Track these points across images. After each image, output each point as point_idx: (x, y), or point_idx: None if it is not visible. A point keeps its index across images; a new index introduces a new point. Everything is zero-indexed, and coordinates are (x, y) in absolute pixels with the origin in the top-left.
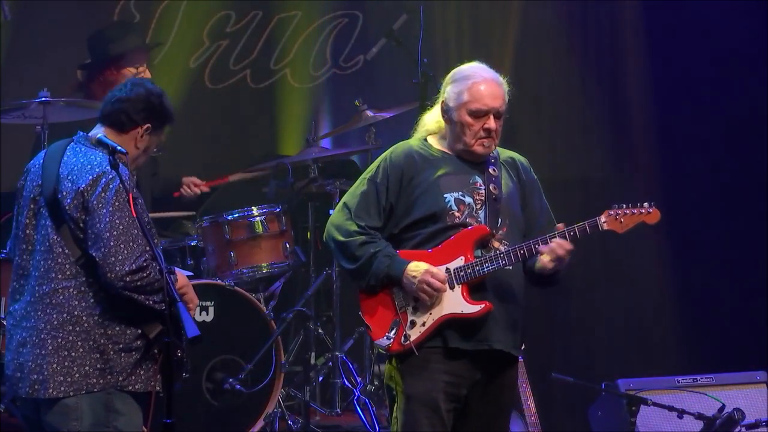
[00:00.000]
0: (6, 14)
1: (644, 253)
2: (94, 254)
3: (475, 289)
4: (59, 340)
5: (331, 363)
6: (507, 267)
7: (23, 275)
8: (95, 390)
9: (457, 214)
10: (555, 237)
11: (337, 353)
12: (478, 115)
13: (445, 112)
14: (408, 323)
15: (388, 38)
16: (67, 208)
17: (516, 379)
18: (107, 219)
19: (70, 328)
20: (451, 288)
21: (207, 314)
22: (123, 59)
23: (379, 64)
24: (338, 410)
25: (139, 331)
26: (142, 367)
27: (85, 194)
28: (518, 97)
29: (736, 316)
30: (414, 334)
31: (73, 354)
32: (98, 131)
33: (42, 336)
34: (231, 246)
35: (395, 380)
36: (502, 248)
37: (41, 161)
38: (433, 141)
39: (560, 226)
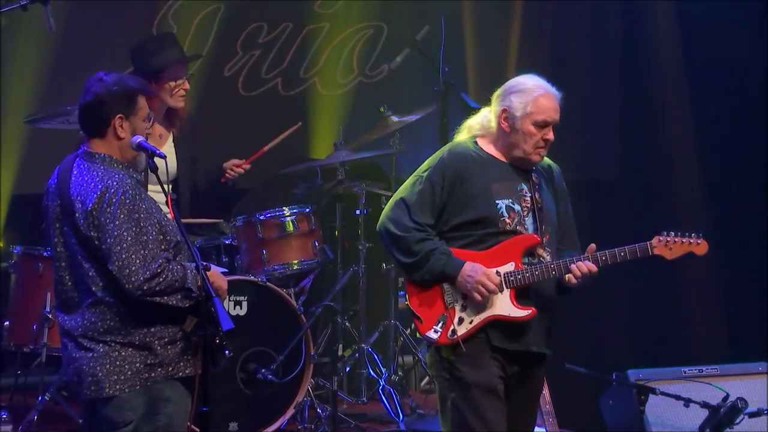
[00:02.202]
0: (51, 26)
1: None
2: (110, 268)
3: (520, 293)
4: (108, 344)
5: (357, 354)
6: (555, 276)
7: (63, 290)
8: (148, 383)
9: (507, 220)
10: (601, 257)
11: (363, 345)
12: (541, 126)
13: (507, 120)
14: (456, 319)
15: (411, 48)
16: (82, 228)
17: (544, 371)
18: (115, 233)
19: (116, 332)
20: (501, 291)
21: (241, 308)
22: (164, 72)
23: (402, 73)
24: (364, 399)
25: (182, 323)
26: (187, 353)
27: (94, 213)
28: None
29: (739, 311)
30: (461, 330)
31: (123, 354)
32: (89, 144)
33: (92, 344)
34: (263, 244)
35: (448, 370)
36: (547, 257)
37: (56, 181)
38: (483, 144)
39: (592, 247)
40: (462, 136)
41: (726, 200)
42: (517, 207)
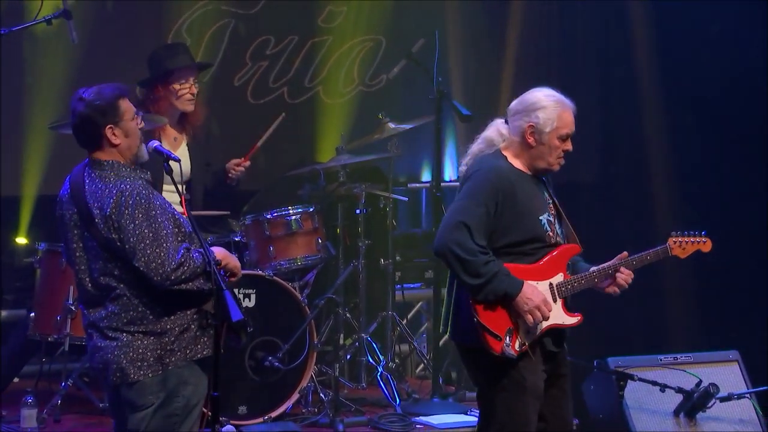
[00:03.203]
0: (74, 39)
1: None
2: (137, 265)
3: (567, 301)
4: (132, 334)
5: (357, 343)
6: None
7: (85, 290)
8: (169, 367)
9: (550, 234)
10: (632, 262)
11: (362, 335)
12: (564, 138)
13: (533, 134)
14: (521, 332)
15: (408, 60)
16: (103, 231)
17: None
18: (136, 232)
19: (138, 322)
20: (554, 301)
21: (249, 301)
22: (171, 75)
23: (399, 83)
24: (364, 384)
25: (196, 309)
26: (204, 336)
27: (112, 216)
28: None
29: (712, 302)
30: (528, 340)
31: (145, 342)
32: (92, 155)
33: (116, 334)
34: (270, 241)
35: (505, 374)
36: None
37: (68, 191)
38: (510, 158)
39: (624, 254)
40: (479, 147)
41: (700, 200)
42: (550, 218)
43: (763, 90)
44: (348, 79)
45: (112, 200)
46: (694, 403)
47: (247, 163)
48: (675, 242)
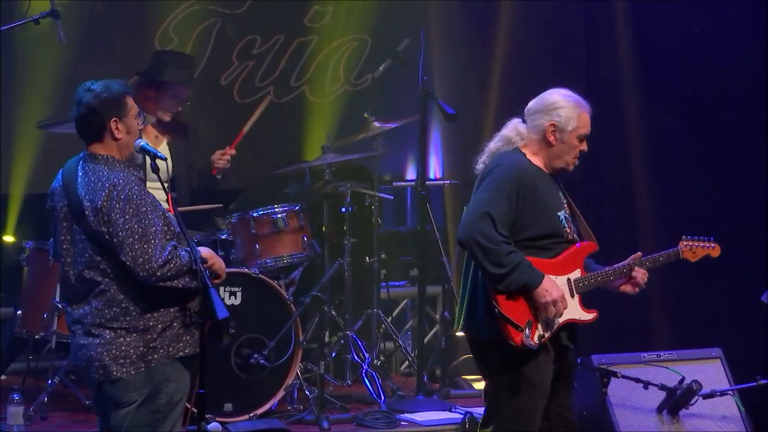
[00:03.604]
0: (61, 38)
1: (614, 245)
2: (124, 260)
3: (583, 297)
4: (114, 330)
5: (342, 341)
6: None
7: (71, 282)
8: (152, 365)
9: (568, 230)
10: (645, 262)
11: (347, 332)
12: (582, 139)
13: (555, 133)
14: (541, 324)
15: (393, 59)
16: (92, 224)
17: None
18: (126, 226)
19: (122, 318)
20: (572, 296)
21: (235, 298)
22: (166, 85)
23: (385, 82)
24: (349, 382)
25: (179, 307)
26: (187, 333)
27: (103, 209)
28: (505, 102)
29: (695, 299)
30: (547, 332)
31: (128, 339)
32: (91, 147)
33: (99, 330)
34: (256, 239)
35: (515, 368)
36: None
37: (61, 183)
38: (530, 156)
39: (638, 254)
40: (497, 145)
41: (682, 199)
42: (567, 216)
43: (745, 89)
44: (334, 78)
45: (104, 193)
46: (677, 400)
47: (233, 152)
48: (686, 246)
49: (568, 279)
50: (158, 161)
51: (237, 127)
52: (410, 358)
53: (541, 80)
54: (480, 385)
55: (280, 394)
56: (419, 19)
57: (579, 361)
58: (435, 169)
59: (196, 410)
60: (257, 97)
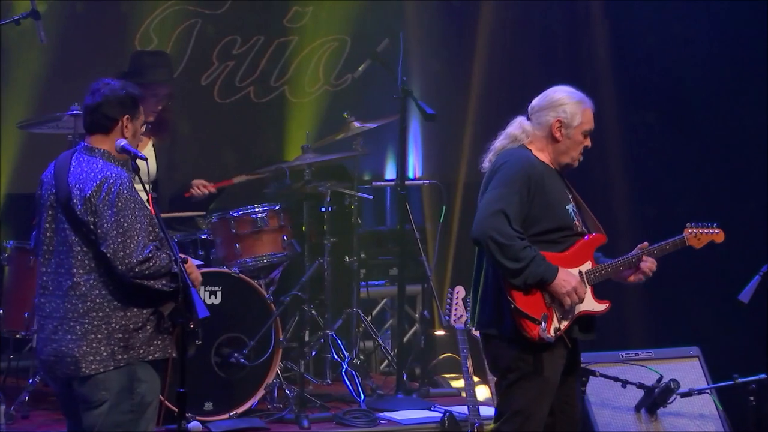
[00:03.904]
0: (42, 39)
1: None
2: (104, 251)
3: (595, 288)
4: (86, 326)
5: (322, 340)
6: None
7: (48, 272)
8: (121, 365)
9: (577, 223)
10: (652, 251)
11: (327, 331)
12: (586, 134)
13: (561, 129)
14: (556, 318)
15: (373, 59)
16: (79, 213)
17: None
18: (113, 219)
19: (94, 314)
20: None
21: (215, 298)
22: (147, 86)
23: (364, 82)
24: (329, 380)
25: (153, 309)
26: (158, 338)
27: (92, 199)
28: (484, 102)
29: (673, 298)
30: (562, 326)
31: (99, 336)
32: (91, 140)
33: (71, 324)
34: (236, 239)
35: (529, 362)
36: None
37: (52, 172)
38: (536, 152)
39: (645, 244)
40: (502, 143)
41: (660, 197)
42: (574, 209)
43: (722, 88)
44: (313, 78)
45: (95, 183)
46: (655, 398)
47: (214, 190)
48: (691, 233)
49: (580, 271)
50: (139, 162)
51: (217, 128)
52: (390, 357)
53: (520, 80)
54: (458, 384)
55: (260, 393)
56: (399, 19)
57: None
58: (414, 168)
59: (176, 409)
60: (237, 96)
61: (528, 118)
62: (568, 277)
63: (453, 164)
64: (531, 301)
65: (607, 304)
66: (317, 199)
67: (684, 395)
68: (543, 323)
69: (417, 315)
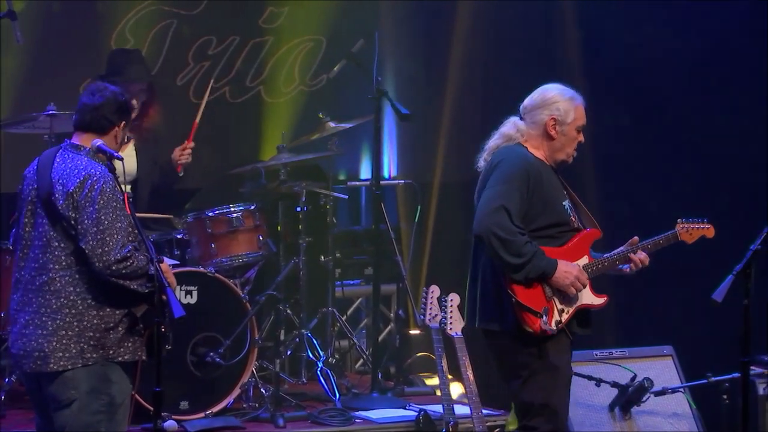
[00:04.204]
0: (18, 39)
1: None
2: (83, 247)
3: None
4: (57, 321)
5: (297, 339)
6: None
7: (24, 267)
8: (90, 363)
9: (573, 219)
10: (646, 246)
11: (302, 331)
12: (580, 130)
13: (555, 126)
14: (557, 311)
15: (348, 60)
16: (59, 208)
17: None
18: (94, 216)
19: (66, 311)
20: None
21: (191, 297)
22: (126, 86)
23: (339, 82)
24: (304, 380)
25: (126, 310)
26: (129, 340)
27: (74, 195)
28: (459, 102)
29: (647, 297)
30: (563, 319)
31: (70, 333)
32: (79, 138)
33: (43, 319)
34: (212, 238)
35: (537, 354)
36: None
37: (35, 167)
38: (532, 150)
39: (635, 239)
40: (496, 142)
41: (631, 197)
42: (570, 205)
43: (693, 86)
44: (289, 78)
45: (78, 180)
46: (629, 397)
47: (192, 144)
48: (683, 228)
49: (578, 265)
50: (115, 162)
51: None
52: (365, 356)
53: (495, 80)
54: (433, 382)
55: (236, 392)
56: (374, 19)
57: None
58: (389, 168)
59: (151, 408)
60: (213, 97)
61: (521, 118)
62: (568, 268)
63: (428, 164)
64: (532, 294)
65: (605, 298)
66: (292, 198)
67: (658, 394)
68: (545, 316)
69: (392, 314)
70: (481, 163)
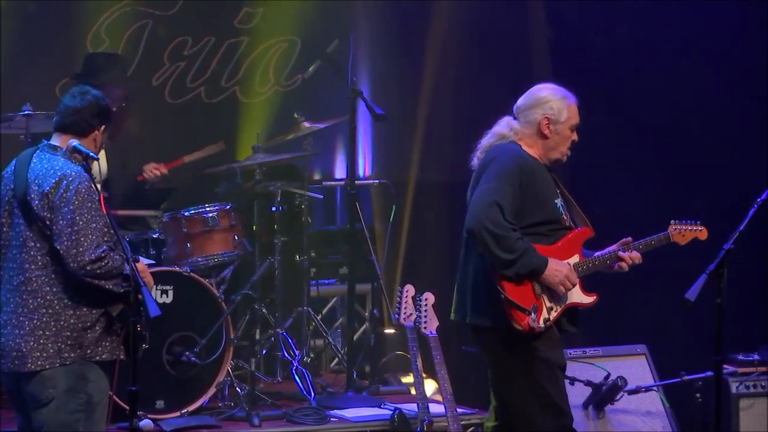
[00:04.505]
0: None
1: None
2: (58, 247)
3: (582, 281)
4: (35, 321)
5: (273, 338)
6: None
7: (2, 267)
8: (67, 363)
9: (565, 217)
10: (637, 246)
11: (278, 330)
12: (573, 129)
13: (549, 126)
14: (545, 308)
15: (323, 60)
16: (35, 208)
17: None
18: (69, 216)
19: (43, 311)
20: None
21: (167, 297)
22: (101, 89)
23: (314, 83)
24: (279, 379)
25: (103, 310)
26: (106, 339)
27: (50, 195)
28: (434, 102)
29: (620, 296)
30: (551, 317)
31: (47, 333)
32: (58, 139)
33: (20, 319)
34: (188, 238)
35: (530, 352)
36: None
37: (12, 168)
38: (526, 149)
39: (629, 240)
40: (489, 141)
41: (604, 199)
42: (562, 203)
43: (666, 88)
44: (264, 79)
45: (54, 180)
46: (603, 395)
47: (165, 171)
48: (675, 229)
49: (567, 263)
50: (90, 162)
51: (169, 128)
52: (340, 356)
53: (469, 80)
54: (408, 381)
55: (212, 391)
56: (349, 20)
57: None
58: (364, 168)
59: (127, 407)
60: (188, 97)
61: (514, 118)
62: (558, 267)
63: (403, 164)
64: (521, 291)
65: (595, 297)
66: (268, 198)
67: (631, 392)
68: (533, 313)
69: (367, 313)
70: (475, 161)
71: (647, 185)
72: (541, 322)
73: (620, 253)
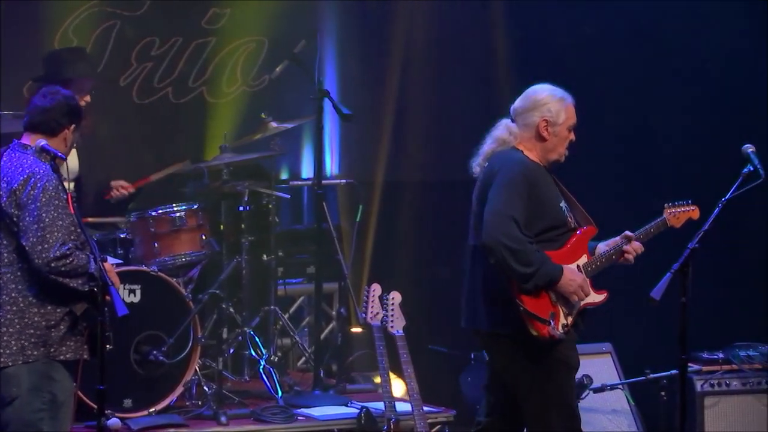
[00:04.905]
0: None
1: None
2: (24, 243)
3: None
4: None
5: (240, 337)
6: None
7: None
8: (30, 360)
9: (570, 220)
10: (638, 236)
11: (245, 329)
12: (571, 129)
13: (548, 128)
14: (563, 314)
15: (290, 60)
16: (3, 205)
17: None
18: (35, 213)
19: (8, 308)
20: None
21: (135, 296)
22: (71, 84)
23: (281, 83)
24: (247, 377)
25: (68, 309)
26: (71, 338)
27: (17, 192)
28: (401, 102)
29: None
30: (569, 322)
31: (11, 330)
32: (28, 138)
33: None
34: (155, 238)
35: (550, 355)
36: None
37: None
38: (527, 153)
39: (629, 234)
40: (491, 147)
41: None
42: (565, 205)
43: (632, 89)
44: (231, 79)
45: (22, 178)
46: None
47: (132, 190)
48: (670, 213)
49: (578, 266)
50: (58, 161)
51: (136, 128)
52: (307, 354)
53: (437, 80)
54: (375, 379)
55: (179, 390)
56: (315, 20)
57: (472, 356)
58: (331, 167)
59: (95, 406)
60: (156, 98)
61: (512, 121)
62: (573, 276)
63: (370, 163)
64: (538, 302)
65: (606, 294)
66: (235, 198)
67: (597, 391)
68: (552, 321)
69: (334, 312)
70: (476, 168)
71: (612, 185)
72: (560, 328)
73: (624, 247)
